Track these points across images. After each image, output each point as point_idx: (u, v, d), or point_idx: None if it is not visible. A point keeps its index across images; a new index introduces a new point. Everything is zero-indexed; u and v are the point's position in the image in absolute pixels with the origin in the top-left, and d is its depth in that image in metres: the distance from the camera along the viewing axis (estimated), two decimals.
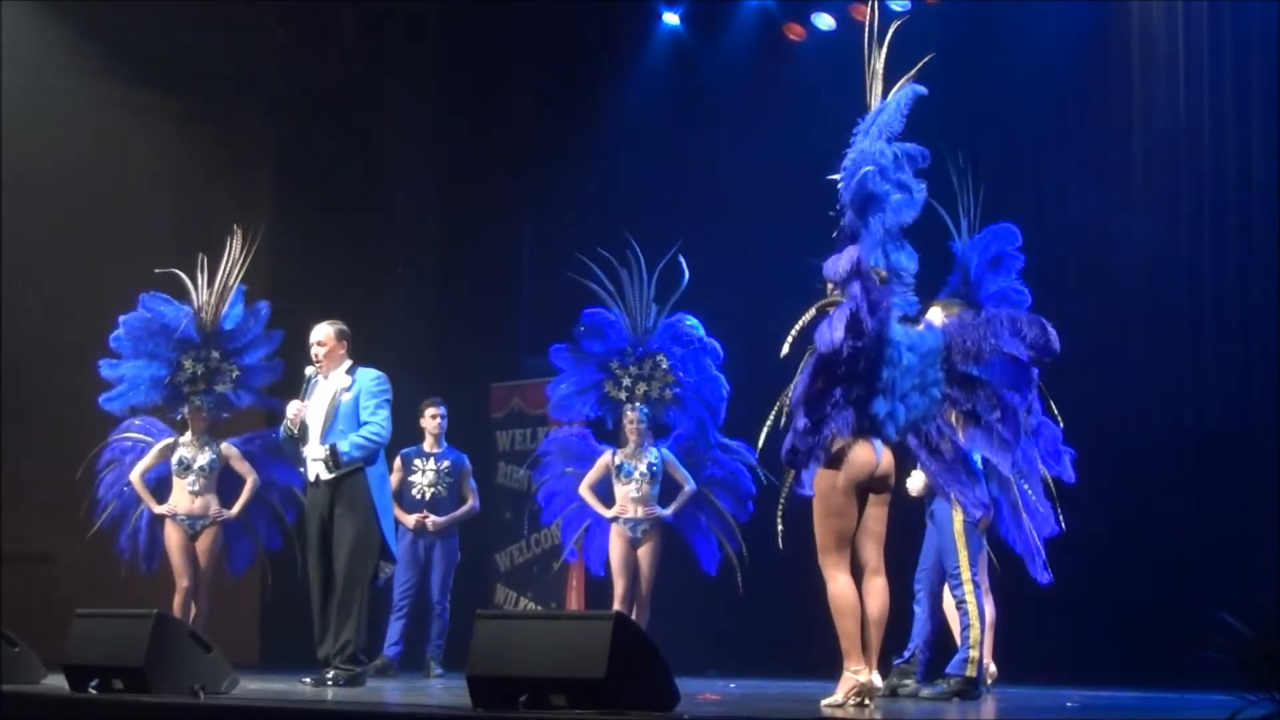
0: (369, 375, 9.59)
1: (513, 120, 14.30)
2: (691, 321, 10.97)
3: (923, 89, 7.13)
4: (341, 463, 9.35)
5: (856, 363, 6.82)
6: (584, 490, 10.87)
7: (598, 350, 11.02)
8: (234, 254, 10.96)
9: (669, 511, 10.71)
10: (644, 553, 10.72)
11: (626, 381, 10.90)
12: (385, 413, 9.52)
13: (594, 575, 11.41)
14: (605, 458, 10.85)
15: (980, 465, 7.61)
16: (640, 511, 10.69)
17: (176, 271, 10.94)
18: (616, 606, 10.44)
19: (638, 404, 10.80)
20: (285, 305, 11.44)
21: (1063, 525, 8.38)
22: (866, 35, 7.22)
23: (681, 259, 10.84)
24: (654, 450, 10.78)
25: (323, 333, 9.64)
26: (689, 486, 10.74)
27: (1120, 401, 10.80)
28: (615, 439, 10.97)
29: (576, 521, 11.12)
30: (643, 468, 10.70)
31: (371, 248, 14.61)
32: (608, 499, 10.81)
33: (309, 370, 9.61)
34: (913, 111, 7.16)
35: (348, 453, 9.35)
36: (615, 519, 10.74)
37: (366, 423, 9.42)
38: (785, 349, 7.00)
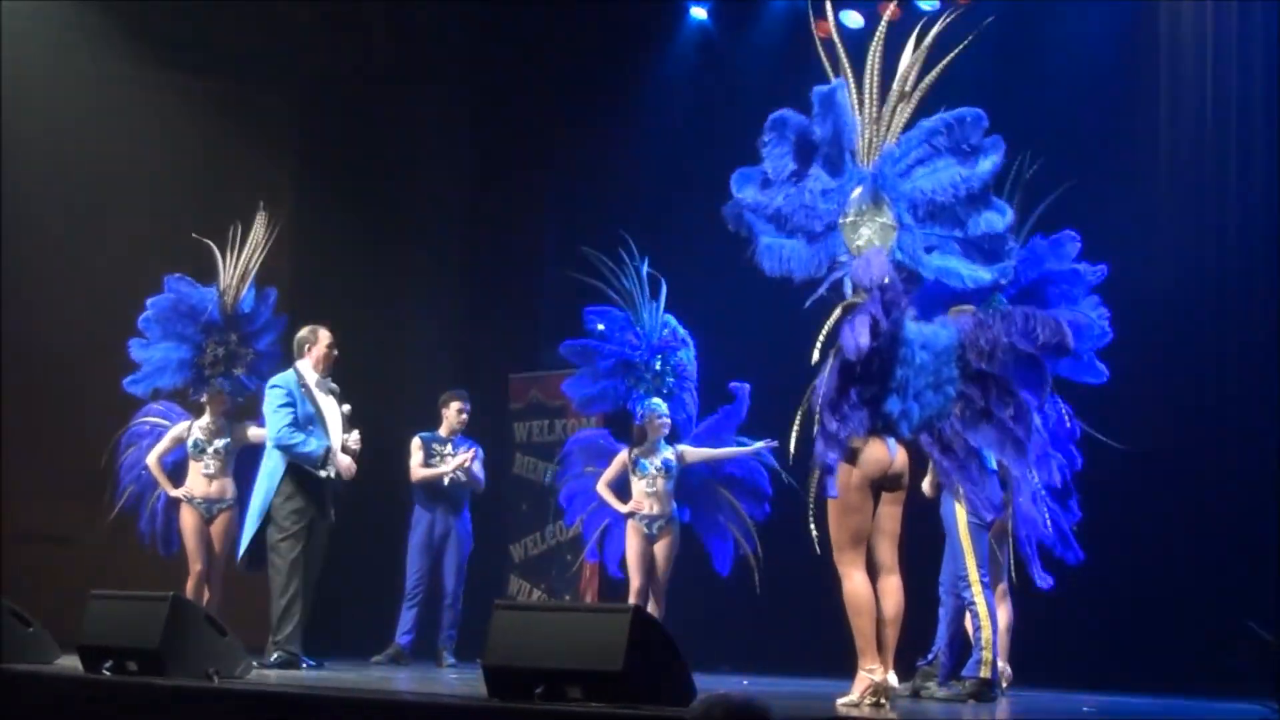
0: None
1: (538, 111, 14.27)
2: (674, 323, 11.00)
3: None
4: None
5: (871, 363, 6.81)
6: (601, 487, 10.83)
7: (614, 346, 10.98)
8: (256, 237, 10.97)
9: (754, 448, 10.59)
10: (660, 548, 10.70)
11: (649, 376, 10.88)
12: None
13: (612, 575, 11.34)
14: (622, 455, 10.82)
15: (994, 465, 7.59)
16: (656, 507, 10.65)
17: (211, 244, 10.94)
18: (633, 601, 10.41)
19: (656, 400, 10.77)
20: (304, 293, 11.44)
21: (1070, 535, 8.39)
22: (877, 37, 7.23)
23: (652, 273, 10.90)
24: (669, 448, 10.75)
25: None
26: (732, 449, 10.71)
27: (1145, 405, 10.74)
28: (631, 437, 10.90)
29: (596, 521, 11.08)
30: (658, 463, 10.68)
31: (393, 236, 14.58)
32: (626, 497, 10.78)
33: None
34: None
35: None
36: (631, 515, 10.71)
37: None
38: (815, 355, 6.98)
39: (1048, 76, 11.68)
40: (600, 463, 10.99)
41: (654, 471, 10.66)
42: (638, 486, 10.71)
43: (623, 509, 10.73)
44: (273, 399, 9.95)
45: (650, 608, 10.45)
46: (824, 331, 6.99)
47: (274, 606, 9.82)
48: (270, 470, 9.93)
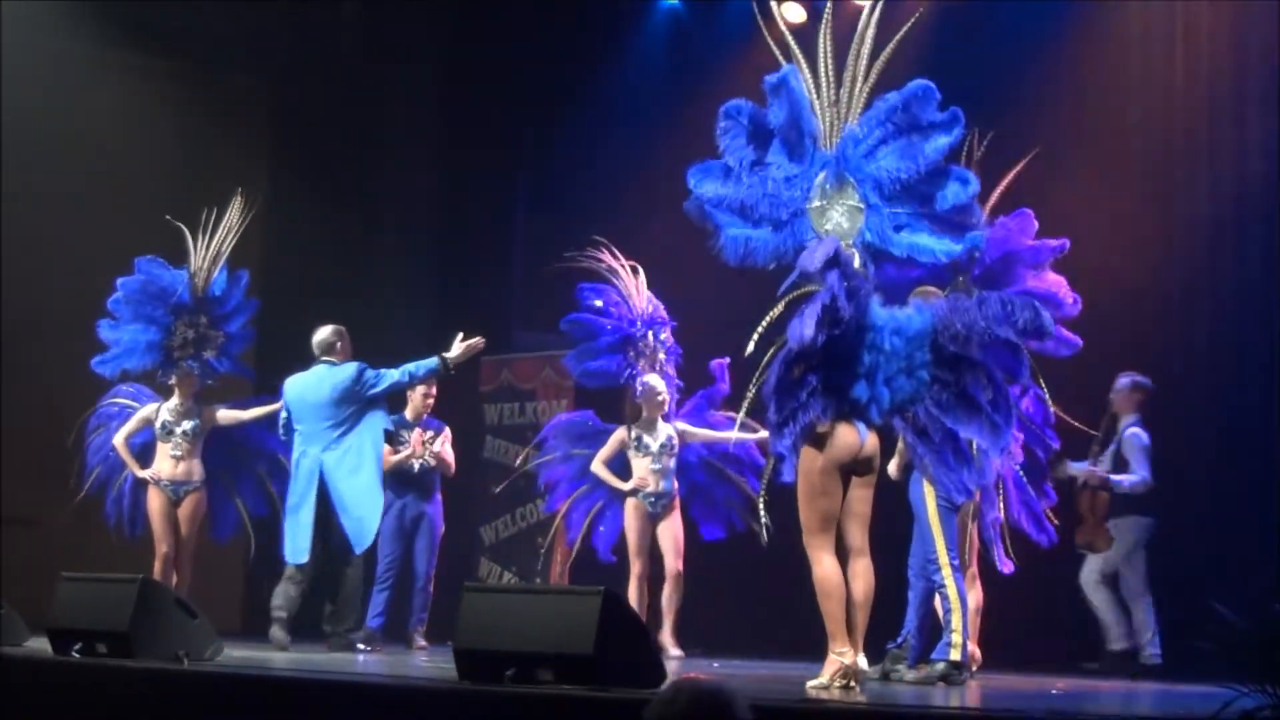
0: None
1: (511, 95, 14.24)
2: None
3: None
4: None
5: (832, 350, 6.79)
6: (598, 467, 10.70)
7: (614, 322, 10.92)
8: (230, 220, 10.95)
9: (757, 436, 10.54)
10: (666, 527, 10.60)
11: (647, 352, 10.83)
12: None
13: (604, 560, 11.14)
14: (620, 434, 10.70)
15: (970, 449, 7.59)
16: (661, 484, 10.59)
17: (183, 228, 10.92)
18: (633, 585, 10.39)
19: (654, 376, 10.71)
20: (276, 276, 11.41)
21: (1043, 517, 8.42)
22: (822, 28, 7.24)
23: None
24: (667, 425, 10.71)
25: None
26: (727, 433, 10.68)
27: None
28: (618, 418, 10.87)
29: (587, 504, 10.97)
30: (661, 440, 10.61)
31: (365, 219, 14.54)
32: (622, 477, 10.70)
33: None
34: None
35: None
36: (634, 492, 10.61)
37: None
38: (750, 347, 6.99)
39: (1009, 56, 11.68)
40: (586, 445, 10.92)
41: (658, 449, 10.61)
42: (641, 464, 10.61)
43: (625, 487, 10.64)
44: (363, 370, 10.40)
45: (668, 590, 10.56)
46: (763, 324, 6.99)
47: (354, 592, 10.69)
48: (369, 447, 10.46)
